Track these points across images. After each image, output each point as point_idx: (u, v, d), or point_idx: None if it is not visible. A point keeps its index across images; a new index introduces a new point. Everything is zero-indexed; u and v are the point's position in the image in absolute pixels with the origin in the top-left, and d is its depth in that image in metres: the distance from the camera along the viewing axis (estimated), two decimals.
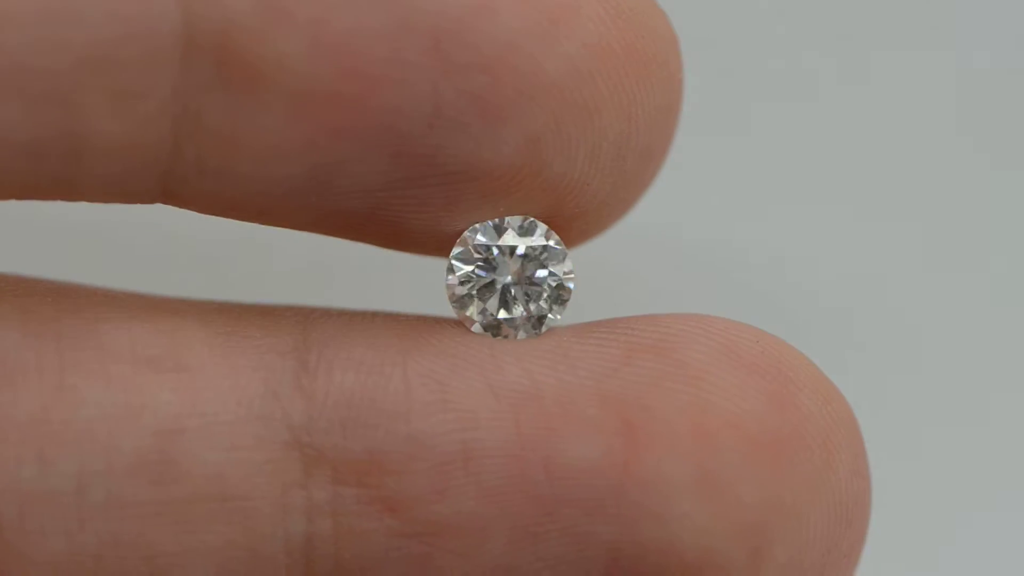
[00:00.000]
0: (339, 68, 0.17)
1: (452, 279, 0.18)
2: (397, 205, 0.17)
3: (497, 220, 0.18)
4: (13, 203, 0.17)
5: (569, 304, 0.18)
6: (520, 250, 0.18)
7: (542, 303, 0.18)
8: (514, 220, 0.18)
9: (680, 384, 0.17)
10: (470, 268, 0.18)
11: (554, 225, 0.18)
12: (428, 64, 0.17)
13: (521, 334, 0.18)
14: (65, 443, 0.17)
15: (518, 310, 0.18)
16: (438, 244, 0.18)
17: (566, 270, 0.18)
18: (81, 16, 0.16)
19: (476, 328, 0.18)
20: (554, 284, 0.18)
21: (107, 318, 0.17)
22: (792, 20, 0.26)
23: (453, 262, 0.18)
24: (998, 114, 0.26)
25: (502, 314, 0.18)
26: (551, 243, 0.18)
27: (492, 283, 0.18)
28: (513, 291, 0.18)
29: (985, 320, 0.25)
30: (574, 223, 0.18)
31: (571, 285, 0.18)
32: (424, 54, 0.17)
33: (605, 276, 0.21)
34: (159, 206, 0.18)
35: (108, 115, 0.16)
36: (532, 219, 0.18)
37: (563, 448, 0.17)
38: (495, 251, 0.18)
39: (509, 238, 0.18)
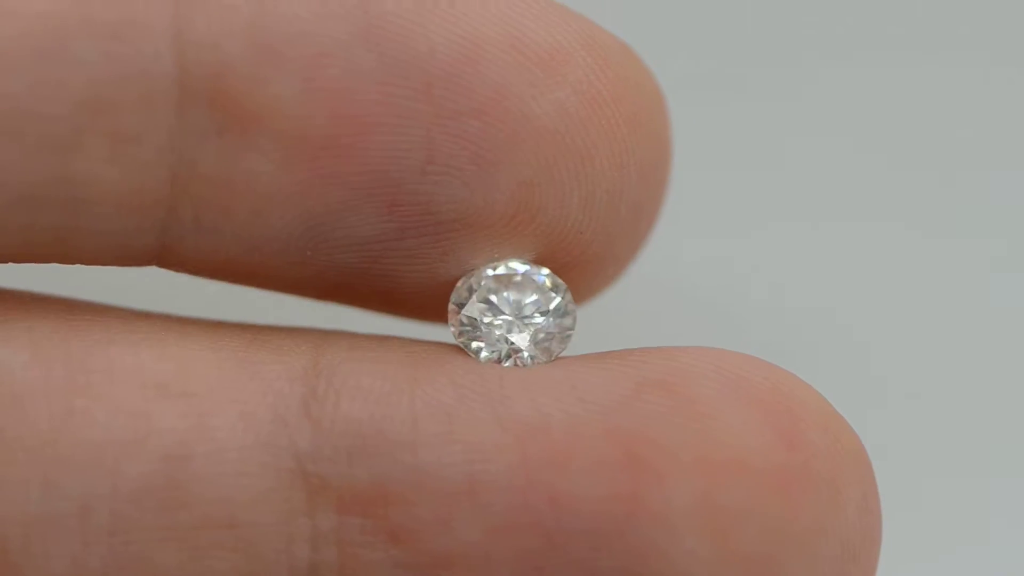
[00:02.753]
0: (332, 112, 0.17)
1: (454, 319, 0.18)
2: (391, 258, 0.18)
3: (502, 268, 0.18)
4: None
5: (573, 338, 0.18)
6: (523, 287, 0.18)
7: (545, 338, 0.18)
8: (518, 263, 0.18)
9: (688, 420, 0.17)
10: (472, 308, 0.18)
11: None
12: (420, 109, 0.17)
13: (526, 356, 0.18)
14: (71, 466, 0.17)
15: (523, 337, 0.18)
16: (433, 303, 0.18)
17: (569, 309, 0.18)
18: (77, 58, 0.16)
19: (483, 356, 0.18)
20: (557, 322, 0.18)
21: (116, 340, 0.18)
22: (776, 49, 0.26)
23: (453, 304, 0.18)
24: (992, 141, 0.26)
25: (505, 347, 0.18)
26: (554, 284, 0.18)
27: (496, 321, 0.18)
28: (517, 325, 0.18)
29: (995, 348, 0.25)
30: (569, 276, 0.18)
31: (573, 309, 0.18)
32: (416, 99, 0.17)
33: (605, 313, 0.21)
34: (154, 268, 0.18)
35: (105, 160, 0.16)
36: (534, 264, 0.18)
37: (569, 481, 0.17)
38: (498, 290, 0.18)
39: (513, 278, 0.18)
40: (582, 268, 0.18)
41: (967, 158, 0.26)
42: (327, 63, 0.17)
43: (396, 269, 0.18)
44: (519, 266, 0.18)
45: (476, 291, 0.18)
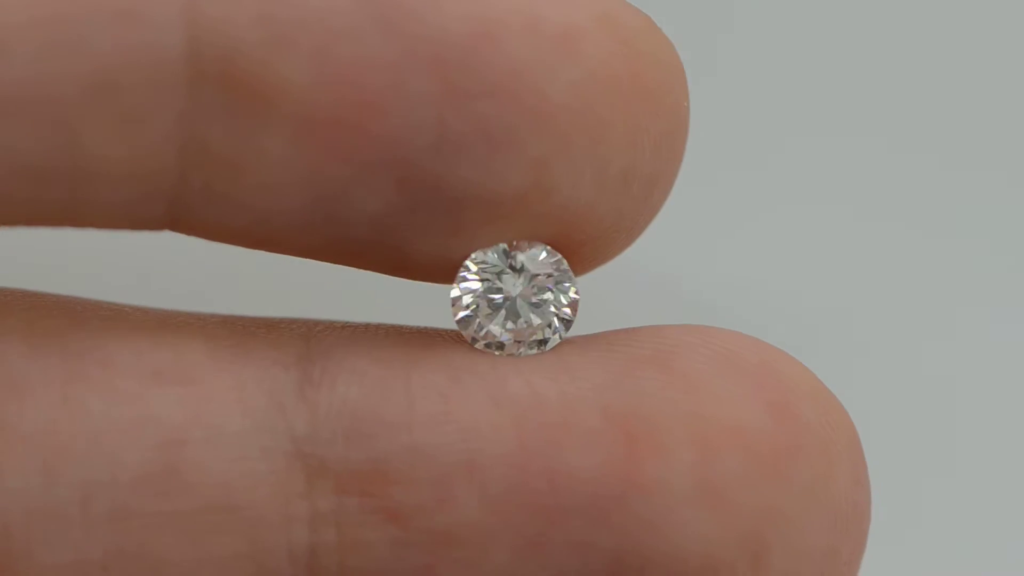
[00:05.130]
0: (343, 95, 0.17)
1: (458, 297, 0.18)
2: (402, 232, 0.17)
3: (504, 244, 0.18)
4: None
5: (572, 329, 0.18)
6: (527, 269, 0.18)
7: (547, 325, 0.18)
8: (522, 244, 0.18)
9: (680, 394, 0.17)
10: (477, 287, 0.18)
11: (560, 251, 0.18)
12: (433, 91, 0.17)
13: (524, 351, 0.18)
14: (70, 455, 0.17)
15: (523, 325, 0.18)
16: (443, 270, 0.18)
17: (572, 295, 0.18)
18: (87, 44, 0.16)
19: (480, 346, 0.18)
20: (559, 307, 0.18)
21: (112, 332, 0.18)
22: (777, 49, 0.26)
23: (459, 283, 0.18)
24: (988, 136, 0.26)
25: (506, 333, 0.18)
26: (558, 267, 0.18)
27: (498, 301, 0.18)
28: (519, 309, 0.18)
29: (981, 333, 0.25)
30: (580, 250, 0.18)
31: (575, 295, 0.18)
32: (428, 81, 0.17)
33: (599, 306, 0.21)
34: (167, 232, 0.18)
35: (113, 140, 0.16)
36: (539, 244, 0.18)
37: (565, 458, 0.17)
38: (503, 271, 0.18)
39: (517, 259, 0.18)
40: (593, 243, 0.18)
41: (972, 152, 0.26)
42: (338, 45, 0.17)
43: (407, 242, 0.18)
44: (522, 252, 0.18)
45: (479, 279, 0.18)
